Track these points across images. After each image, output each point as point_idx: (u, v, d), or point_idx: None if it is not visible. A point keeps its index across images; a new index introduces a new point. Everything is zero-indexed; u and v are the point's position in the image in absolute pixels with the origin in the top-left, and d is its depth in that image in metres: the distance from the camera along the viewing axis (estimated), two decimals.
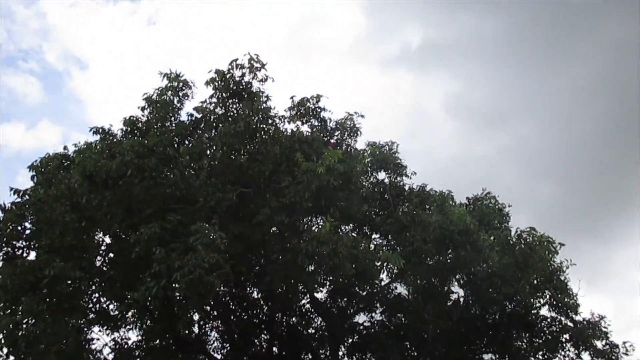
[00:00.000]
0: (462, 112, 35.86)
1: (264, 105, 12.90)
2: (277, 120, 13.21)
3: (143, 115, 13.11)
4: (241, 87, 13.09)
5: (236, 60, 12.94)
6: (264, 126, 12.64)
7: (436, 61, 35.87)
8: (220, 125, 12.95)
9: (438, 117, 37.16)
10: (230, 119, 12.94)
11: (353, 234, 14.04)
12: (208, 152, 12.92)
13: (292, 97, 13.89)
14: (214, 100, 13.25)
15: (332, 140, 13.95)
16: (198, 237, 10.87)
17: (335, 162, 11.38)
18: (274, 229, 12.80)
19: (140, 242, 11.03)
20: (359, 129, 14.41)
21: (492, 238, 14.01)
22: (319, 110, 14.08)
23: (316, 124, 14.08)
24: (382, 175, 16.54)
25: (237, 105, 13.17)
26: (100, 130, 12.92)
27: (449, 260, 14.21)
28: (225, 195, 12.02)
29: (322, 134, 13.90)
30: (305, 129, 13.83)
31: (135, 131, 12.87)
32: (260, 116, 12.53)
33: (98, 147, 12.44)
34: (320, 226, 11.58)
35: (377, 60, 38.27)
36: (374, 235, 15.57)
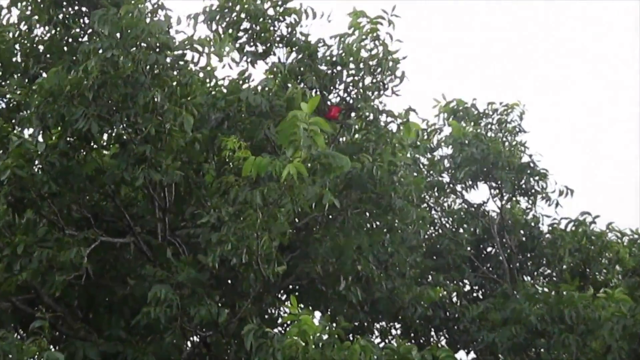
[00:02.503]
0: None
1: (157, 15, 12.74)
2: (195, 55, 13.01)
3: None
4: None
5: None
6: (160, 72, 12.49)
7: None
8: (43, 73, 13.22)
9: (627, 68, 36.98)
10: (65, 50, 13.24)
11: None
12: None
13: None
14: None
15: (331, 102, 14.07)
16: None
17: (327, 154, 10.97)
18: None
19: None
20: (395, 61, 14.12)
21: None
22: (293, 18, 14.14)
23: (287, 59, 14.17)
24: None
25: (82, 19, 13.43)
26: None
27: None
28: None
29: (310, 85, 13.80)
30: (260, 75, 14.28)
31: None
32: (145, 45, 12.32)
33: None
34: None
35: None
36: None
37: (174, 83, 12.53)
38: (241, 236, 11.55)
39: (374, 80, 14.10)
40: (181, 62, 12.79)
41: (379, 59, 14.02)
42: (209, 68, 13.42)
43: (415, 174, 16.37)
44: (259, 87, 13.53)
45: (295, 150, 10.83)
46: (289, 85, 13.59)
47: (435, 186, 17.64)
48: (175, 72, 12.63)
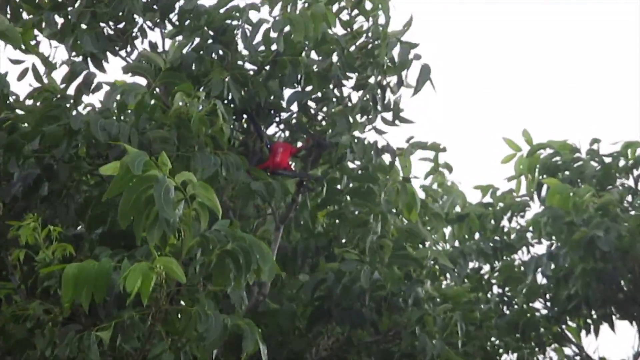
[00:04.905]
0: None
1: None
2: None
3: None
4: None
5: None
6: None
7: None
8: None
9: None
10: None
11: None
12: None
13: None
14: None
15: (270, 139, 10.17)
16: None
17: (241, 236, 7.10)
18: None
19: None
20: (405, 44, 9.46)
21: None
22: None
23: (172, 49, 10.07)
24: None
25: None
26: None
27: None
28: None
29: (220, 94, 9.97)
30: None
31: None
32: None
33: None
34: None
35: None
36: None
37: None
38: None
39: (363, 88, 8.82)
40: None
41: (367, 39, 8.81)
42: None
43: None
44: (113, 104, 8.07)
45: (164, 233, 6.47)
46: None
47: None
48: None
